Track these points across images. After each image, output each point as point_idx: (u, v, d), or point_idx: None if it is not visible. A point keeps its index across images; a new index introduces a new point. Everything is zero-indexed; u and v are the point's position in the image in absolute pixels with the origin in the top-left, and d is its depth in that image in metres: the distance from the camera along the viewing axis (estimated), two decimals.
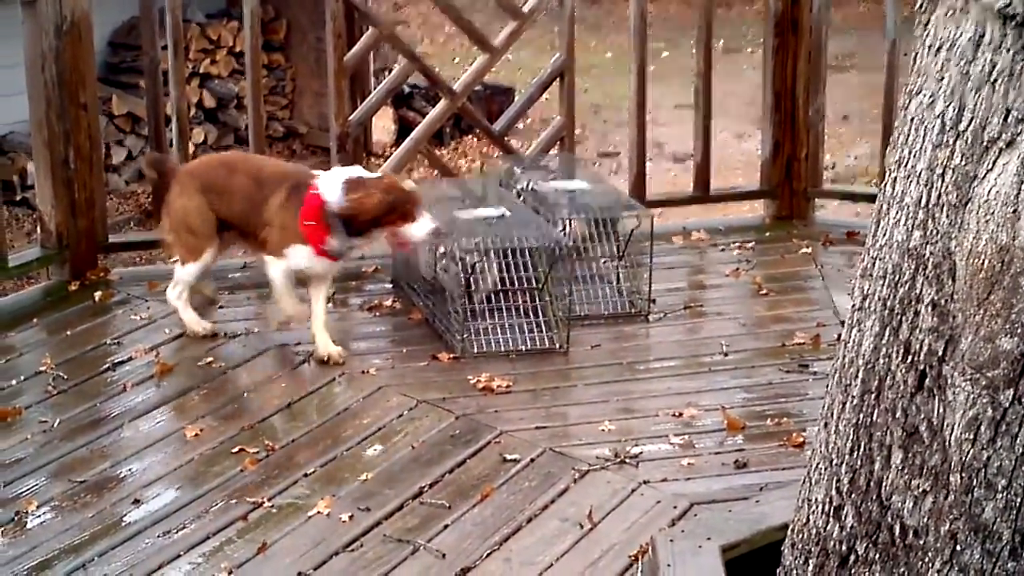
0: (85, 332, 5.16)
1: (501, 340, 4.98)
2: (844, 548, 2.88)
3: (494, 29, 7.29)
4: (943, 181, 2.63)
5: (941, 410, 2.65)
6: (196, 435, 4.34)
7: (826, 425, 2.96)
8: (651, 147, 8.25)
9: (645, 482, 3.99)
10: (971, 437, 2.59)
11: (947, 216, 2.62)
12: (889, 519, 2.77)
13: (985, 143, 2.56)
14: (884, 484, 2.77)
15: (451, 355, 4.93)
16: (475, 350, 4.94)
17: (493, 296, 5.11)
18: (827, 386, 3.00)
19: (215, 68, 11.20)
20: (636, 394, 4.67)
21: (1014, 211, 2.50)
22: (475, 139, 11.63)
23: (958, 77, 2.61)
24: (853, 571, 2.86)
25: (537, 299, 5.09)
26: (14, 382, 4.74)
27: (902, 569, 2.75)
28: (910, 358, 2.70)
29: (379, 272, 5.73)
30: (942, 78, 2.64)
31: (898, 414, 2.73)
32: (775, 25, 6.26)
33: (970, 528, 2.63)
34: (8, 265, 5.55)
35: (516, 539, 3.73)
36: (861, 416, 2.82)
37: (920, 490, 2.70)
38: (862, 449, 2.82)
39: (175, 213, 4.99)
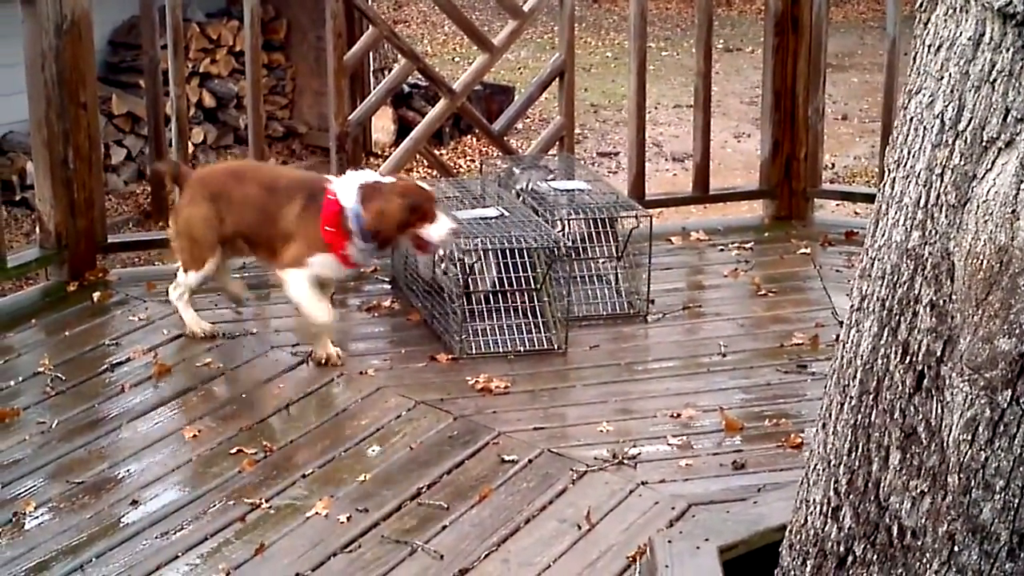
0: (83, 333, 5.15)
1: (499, 341, 4.98)
2: (842, 549, 2.87)
3: (494, 28, 7.29)
4: (942, 181, 2.63)
5: (939, 411, 2.65)
6: (194, 436, 4.33)
7: (824, 426, 2.96)
8: (650, 147, 8.26)
9: (643, 483, 3.99)
10: (969, 438, 2.59)
11: (946, 216, 2.62)
12: (887, 520, 2.76)
13: (984, 143, 2.55)
14: (882, 485, 2.77)
15: (449, 356, 4.92)
16: (473, 351, 4.94)
17: (491, 297, 5.11)
18: (825, 387, 3.00)
19: (215, 67, 11.20)
20: (634, 395, 4.66)
21: (1013, 212, 2.49)
22: (474, 139, 11.64)
23: (958, 76, 2.60)
24: (851, 572, 2.86)
25: (535, 300, 5.09)
26: (12, 383, 4.73)
27: (900, 570, 2.75)
28: (908, 359, 2.70)
29: (377, 273, 5.73)
30: (942, 77, 2.64)
31: (896, 415, 2.73)
32: (775, 24, 6.26)
33: (968, 529, 2.62)
34: (7, 266, 5.54)
35: (514, 540, 3.73)
36: (859, 417, 2.82)
37: (918, 491, 2.70)
38: (860, 450, 2.82)
39: (181, 220, 4.98)
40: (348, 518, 3.83)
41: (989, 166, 2.54)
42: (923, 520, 2.69)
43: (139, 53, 7.13)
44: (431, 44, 15.68)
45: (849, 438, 2.84)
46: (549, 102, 9.93)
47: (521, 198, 5.57)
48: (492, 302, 5.10)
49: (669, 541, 3.45)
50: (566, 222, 5.44)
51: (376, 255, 4.92)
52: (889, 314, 2.74)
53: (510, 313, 5.08)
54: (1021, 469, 2.55)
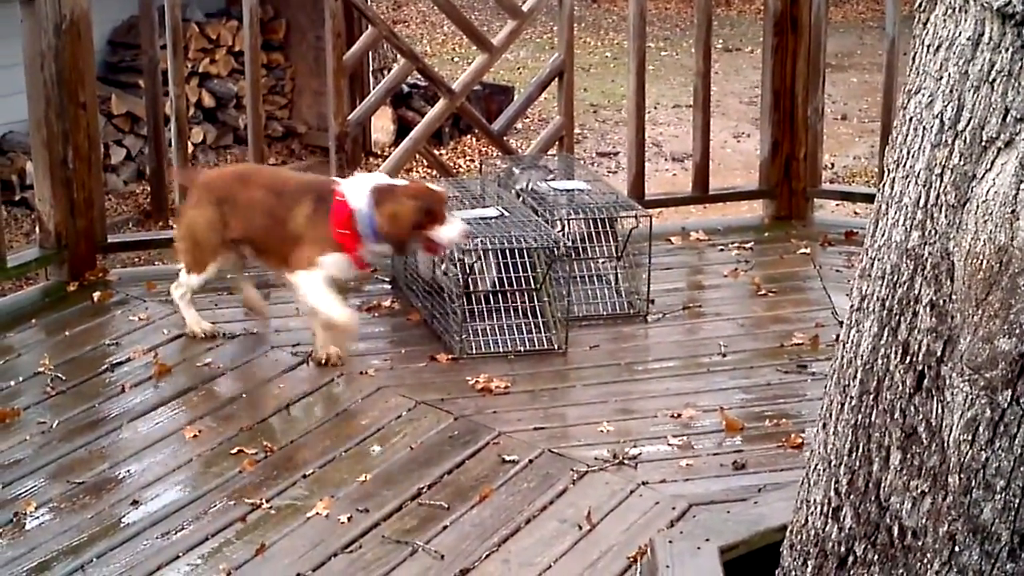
0: (83, 333, 5.16)
1: (499, 341, 4.98)
2: (843, 549, 2.87)
3: (493, 28, 7.29)
4: (941, 181, 2.63)
5: (939, 411, 2.65)
6: (195, 436, 4.33)
7: (824, 426, 2.96)
8: (650, 147, 8.26)
9: (644, 483, 3.99)
10: (969, 438, 2.59)
11: (945, 216, 2.62)
12: (888, 520, 2.76)
13: (984, 143, 2.55)
14: (883, 485, 2.77)
15: (450, 356, 4.93)
16: (473, 351, 4.94)
17: (491, 297, 5.11)
18: (825, 387, 3.00)
19: (214, 67, 11.19)
20: (635, 395, 4.66)
21: (1012, 211, 2.49)
22: (474, 139, 11.64)
23: (957, 76, 2.60)
24: (852, 572, 2.86)
25: (535, 300, 5.09)
26: (12, 383, 4.74)
27: (900, 570, 2.75)
28: (908, 359, 2.70)
29: (377, 273, 5.73)
30: (941, 77, 2.64)
31: (896, 415, 2.73)
32: (774, 24, 6.26)
33: (968, 529, 2.62)
34: (7, 266, 5.54)
35: (515, 540, 3.73)
36: (859, 417, 2.82)
37: (919, 491, 2.70)
38: (860, 450, 2.82)
39: (185, 223, 4.99)
40: (349, 518, 3.83)
41: (988, 166, 2.54)
42: (924, 520, 2.69)
43: (138, 53, 7.13)
44: (430, 44, 15.67)
45: (849, 438, 2.84)
46: (548, 102, 9.93)
47: (521, 198, 5.57)
48: (492, 302, 5.10)
49: (670, 541, 3.45)
50: (566, 222, 5.44)
51: (388, 256, 4.92)
52: (889, 314, 2.75)
53: (510, 313, 5.08)
54: (1022, 469, 2.55)
